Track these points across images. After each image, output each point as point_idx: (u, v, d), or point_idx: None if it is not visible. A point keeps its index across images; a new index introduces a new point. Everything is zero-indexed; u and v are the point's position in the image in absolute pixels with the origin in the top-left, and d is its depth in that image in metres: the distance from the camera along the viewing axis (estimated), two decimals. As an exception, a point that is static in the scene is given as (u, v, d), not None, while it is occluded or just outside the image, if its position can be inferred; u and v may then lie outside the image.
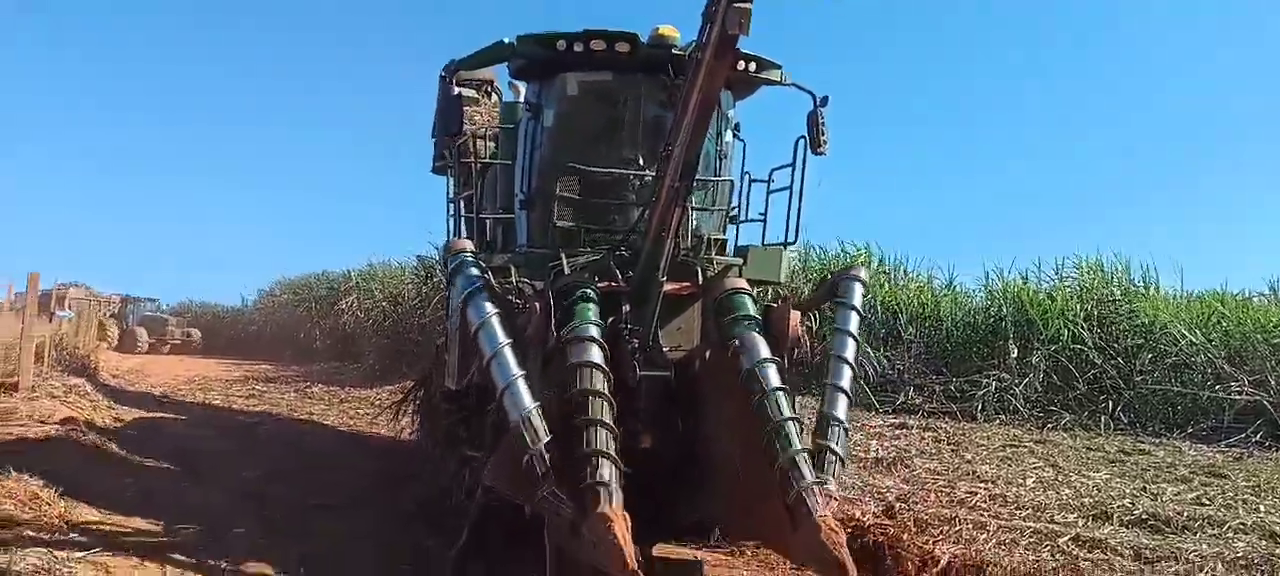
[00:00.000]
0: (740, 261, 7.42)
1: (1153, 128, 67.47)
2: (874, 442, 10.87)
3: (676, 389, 6.42)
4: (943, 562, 6.08)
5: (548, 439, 5.44)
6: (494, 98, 10.79)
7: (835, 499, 5.81)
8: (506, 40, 7.14)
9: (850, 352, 6.40)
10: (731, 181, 7.65)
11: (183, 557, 6.15)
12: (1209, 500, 7.97)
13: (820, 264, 18.27)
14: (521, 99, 7.92)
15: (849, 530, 6.74)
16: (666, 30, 6.89)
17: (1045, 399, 13.85)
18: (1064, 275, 16.31)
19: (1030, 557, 6.10)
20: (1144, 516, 7.24)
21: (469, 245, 6.56)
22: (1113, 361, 13.85)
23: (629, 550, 4.91)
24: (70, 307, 30.38)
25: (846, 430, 6.11)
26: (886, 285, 17.31)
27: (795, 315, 6.59)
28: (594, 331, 5.90)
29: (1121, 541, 6.50)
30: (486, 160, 8.35)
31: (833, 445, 5.93)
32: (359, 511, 7.94)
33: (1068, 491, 8.29)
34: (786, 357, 6.44)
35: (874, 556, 6.44)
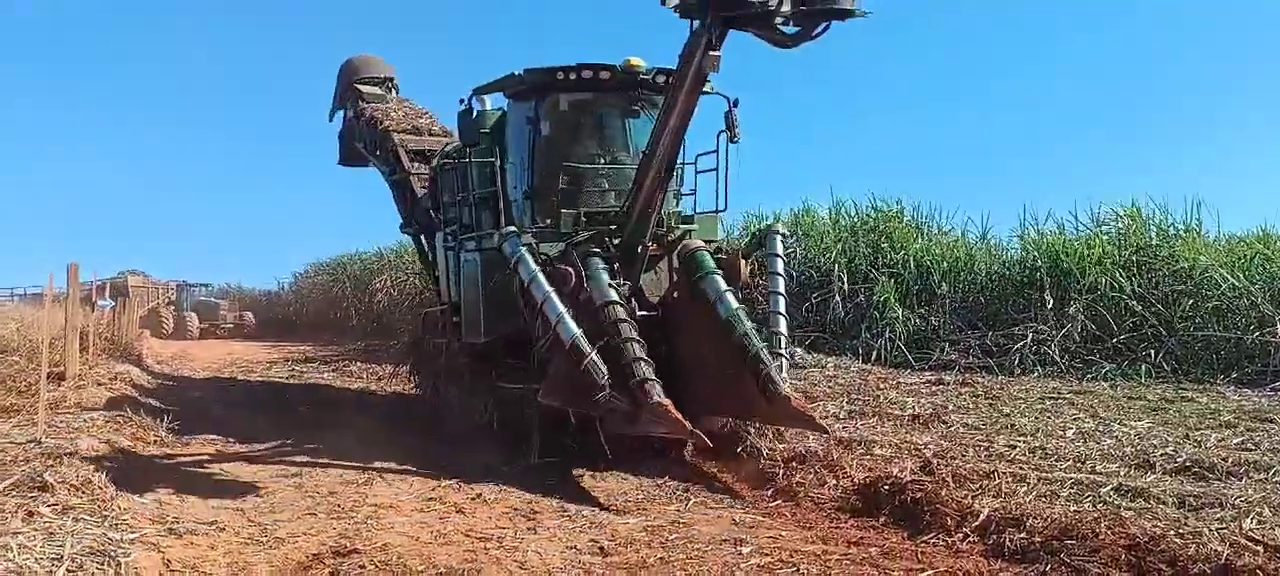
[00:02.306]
0: (695, 226, 9.61)
1: (1186, 67, 65.86)
2: (909, 399, 10.81)
3: (659, 323, 8.86)
4: (982, 516, 6.04)
5: (604, 366, 7.68)
6: (394, 93, 13.98)
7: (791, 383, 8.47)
8: (516, 72, 9.43)
9: (780, 282, 9.13)
10: (684, 167, 9.53)
11: (231, 534, 6.30)
12: (1255, 445, 7.84)
13: (851, 219, 18.17)
14: (485, 107, 10.16)
15: (886, 487, 6.80)
16: (635, 61, 9.06)
17: (1084, 349, 13.68)
18: (1101, 222, 16.02)
19: (1071, 508, 6.04)
20: (1188, 464, 7.14)
21: (514, 228, 8.72)
22: (1152, 308, 13.63)
23: (685, 421, 7.37)
24: (111, 297, 30.96)
25: (788, 336, 8.99)
26: (918, 240, 17.12)
27: (743, 262, 9.20)
28: (610, 282, 8.35)
29: (1165, 489, 6.42)
30: (444, 158, 11.00)
31: (780, 349, 8.56)
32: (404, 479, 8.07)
33: (1109, 441, 8.20)
34: (740, 292, 9.00)
35: (912, 513, 6.42)
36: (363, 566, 5.60)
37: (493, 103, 10.30)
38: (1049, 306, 14.33)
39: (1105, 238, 15.40)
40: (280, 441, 10.11)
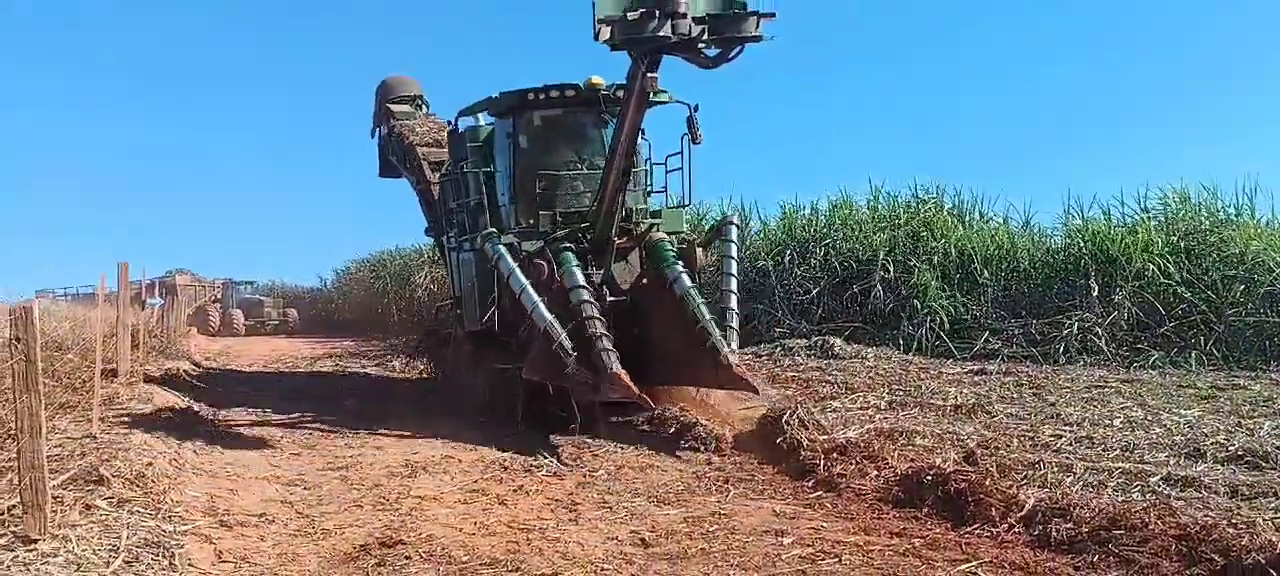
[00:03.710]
0: (659, 221, 10.87)
1: (1237, 45, 64.09)
2: (952, 389, 10.68)
3: (629, 306, 10.21)
4: (1027, 507, 5.95)
5: (569, 341, 9.03)
6: (423, 109, 15.27)
7: (739, 355, 9.65)
8: (495, 95, 11.00)
9: (733, 268, 10.34)
10: (645, 169, 11.07)
11: (280, 525, 6.43)
12: (1310, 433, 7.64)
13: (890, 208, 18.01)
14: (478, 123, 11.82)
15: (929, 477, 6.74)
16: (596, 80, 10.38)
17: (1131, 337, 13.45)
18: (1147, 208, 15.71)
19: (1119, 498, 5.95)
20: (1240, 453, 6.98)
21: (493, 230, 10.19)
22: (1202, 295, 13.35)
23: (634, 386, 8.86)
24: (160, 295, 31.62)
25: (737, 315, 9.93)
26: (959, 228, 16.90)
27: (700, 251, 10.69)
28: (579, 273, 9.69)
29: (1216, 479, 6.29)
30: (451, 170, 12.57)
31: (731, 324, 9.65)
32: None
33: (1158, 430, 8.05)
34: (697, 277, 10.42)
35: (955, 504, 6.34)
36: (408, 557, 5.68)
37: (485, 119, 11.76)
38: (1094, 294, 14.09)
39: (1152, 223, 15.11)
40: (327, 433, 10.28)
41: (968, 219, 17.54)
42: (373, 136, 15.84)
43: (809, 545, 5.85)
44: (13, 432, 5.27)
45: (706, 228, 13.74)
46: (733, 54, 8.25)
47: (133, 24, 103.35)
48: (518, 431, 9.79)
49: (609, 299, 10.02)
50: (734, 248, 10.53)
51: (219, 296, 40.00)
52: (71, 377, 11.98)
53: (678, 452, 8.83)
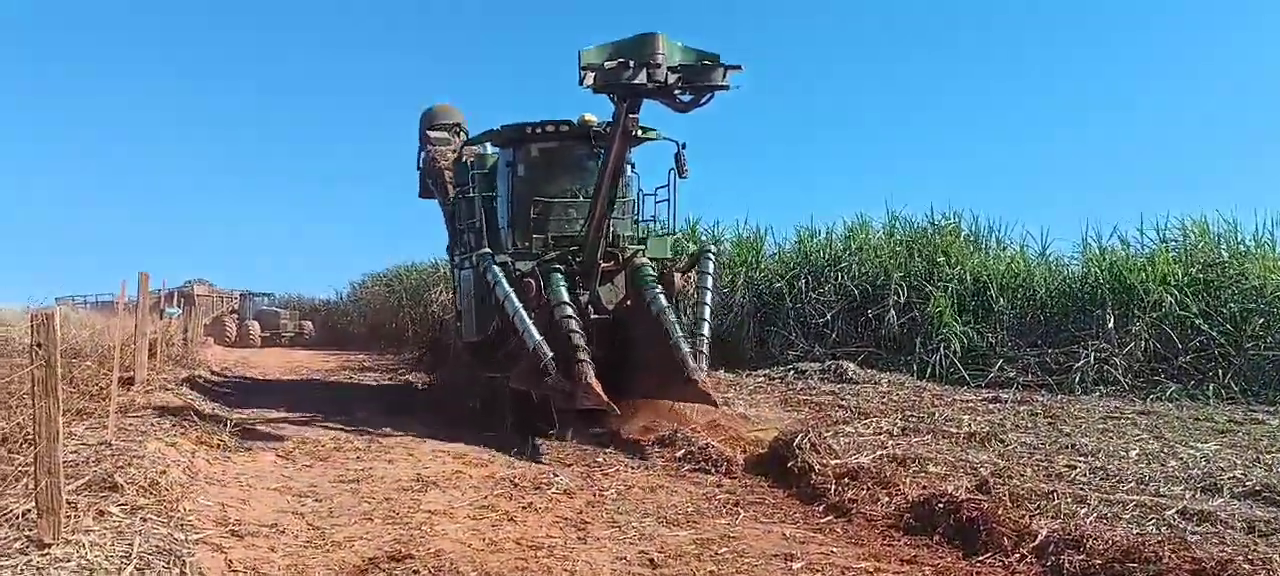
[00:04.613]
0: (643, 247, 11.84)
1: (1256, 82, 63.73)
2: (966, 417, 10.62)
3: (612, 325, 11.12)
4: (1040, 537, 5.90)
5: (551, 353, 9.89)
6: (461, 136, 16.05)
7: (706, 372, 10.24)
8: (497, 127, 12.18)
9: (709, 296, 11.02)
10: (633, 200, 12.31)
11: (290, 536, 6.45)
12: (1329, 470, 7.55)
13: (907, 233, 17.99)
14: (486, 151, 13.18)
15: (940, 505, 6.69)
16: (588, 117, 11.47)
17: (1148, 369, 13.35)
18: (1167, 238, 15.62)
19: (1134, 531, 5.89)
20: (1258, 488, 6.91)
21: (489, 250, 11.29)
22: (1220, 327, 13.24)
23: (604, 395, 9.55)
24: (178, 305, 31.87)
25: (708, 338, 10.53)
26: (976, 255, 16.85)
27: (679, 276, 11.50)
28: (566, 292, 10.68)
29: (1233, 514, 6.22)
30: (459, 194, 13.72)
31: (702, 348, 10.28)
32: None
33: (1174, 463, 7.98)
34: (676, 300, 11.25)
35: (967, 532, 6.29)
36: (417, 571, 5.69)
37: (491, 148, 12.95)
38: (1110, 324, 14.00)
39: (1171, 254, 15.01)
40: (339, 445, 10.31)
41: (984, 245, 17.51)
42: (419, 163, 16.73)
43: (819, 570, 5.82)
44: (30, 437, 5.32)
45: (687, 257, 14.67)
46: (704, 100, 9.05)
47: (143, 25, 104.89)
48: (506, 430, 10.66)
49: (593, 317, 10.95)
50: (710, 277, 11.37)
51: (236, 307, 40.29)
52: (89, 384, 12.09)
53: (688, 474, 8.83)
